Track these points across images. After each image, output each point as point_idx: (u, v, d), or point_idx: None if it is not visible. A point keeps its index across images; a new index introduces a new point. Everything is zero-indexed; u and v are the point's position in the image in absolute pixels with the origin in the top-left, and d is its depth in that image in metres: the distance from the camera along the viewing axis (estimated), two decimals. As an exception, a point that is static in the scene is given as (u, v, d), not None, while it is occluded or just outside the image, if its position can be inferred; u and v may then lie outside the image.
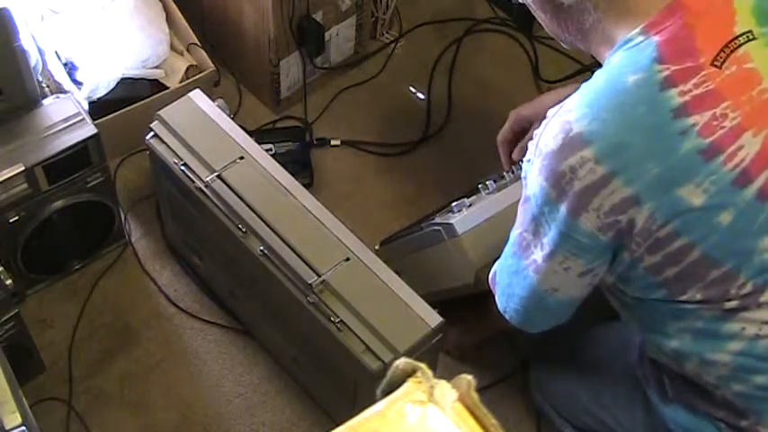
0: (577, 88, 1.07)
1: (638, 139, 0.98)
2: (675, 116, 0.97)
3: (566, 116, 1.01)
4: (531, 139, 1.42)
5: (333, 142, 1.95)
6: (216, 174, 1.46)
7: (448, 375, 0.60)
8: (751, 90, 0.99)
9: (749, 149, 0.99)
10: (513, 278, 1.18)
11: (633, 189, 0.98)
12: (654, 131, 0.98)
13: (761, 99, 1.00)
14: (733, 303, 1.05)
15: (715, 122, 0.98)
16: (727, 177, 0.98)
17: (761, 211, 1.01)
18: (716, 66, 0.98)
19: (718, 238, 1.01)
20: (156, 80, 1.85)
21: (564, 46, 1.16)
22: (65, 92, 1.67)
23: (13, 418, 1.10)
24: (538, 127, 1.36)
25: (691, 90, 0.97)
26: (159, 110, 1.53)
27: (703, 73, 0.98)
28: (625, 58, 1.00)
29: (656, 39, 0.98)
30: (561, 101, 1.34)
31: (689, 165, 0.98)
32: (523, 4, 1.13)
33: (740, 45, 0.99)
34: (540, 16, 1.12)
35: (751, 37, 1.00)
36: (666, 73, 0.97)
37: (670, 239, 1.01)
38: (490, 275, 1.27)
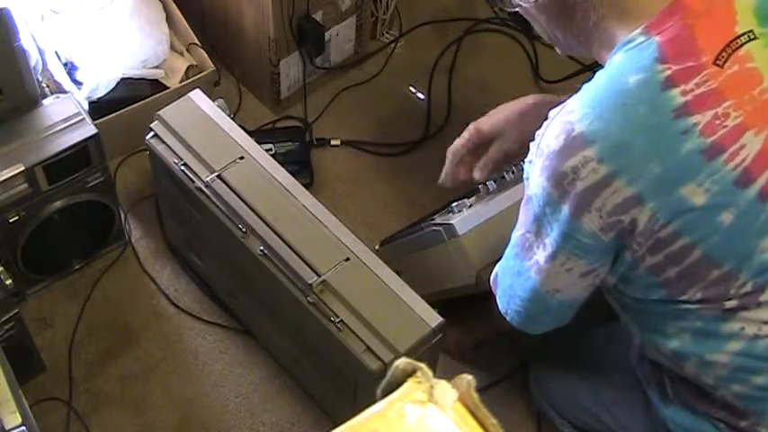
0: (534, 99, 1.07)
1: (639, 138, 0.98)
2: (677, 116, 0.97)
3: (567, 116, 1.01)
4: (492, 158, 1.41)
5: (333, 142, 1.95)
6: (216, 174, 1.46)
7: (448, 375, 0.60)
8: (752, 90, 0.99)
9: (751, 149, 0.99)
10: (514, 279, 1.18)
11: (635, 189, 0.98)
12: (655, 131, 0.98)
13: (762, 99, 1.00)
14: (733, 303, 1.05)
15: (717, 122, 0.98)
16: (728, 177, 0.98)
17: (762, 211, 1.01)
18: (718, 65, 0.98)
19: (720, 238, 1.01)
20: (156, 80, 1.85)
21: (560, 52, 1.16)
22: (65, 92, 1.67)
23: (13, 418, 1.10)
24: (501, 143, 1.38)
25: (692, 89, 0.97)
26: (159, 110, 1.53)
27: (705, 72, 0.98)
28: (626, 59, 1.00)
29: (657, 39, 0.98)
30: (521, 114, 1.37)
31: (690, 164, 0.98)
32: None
33: (742, 45, 0.99)
34: (538, 21, 1.11)
35: (752, 37, 1.00)
36: (668, 73, 0.97)
37: (672, 239, 1.01)
38: (491, 277, 1.27)
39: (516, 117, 1.39)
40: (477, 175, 1.44)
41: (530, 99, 1.41)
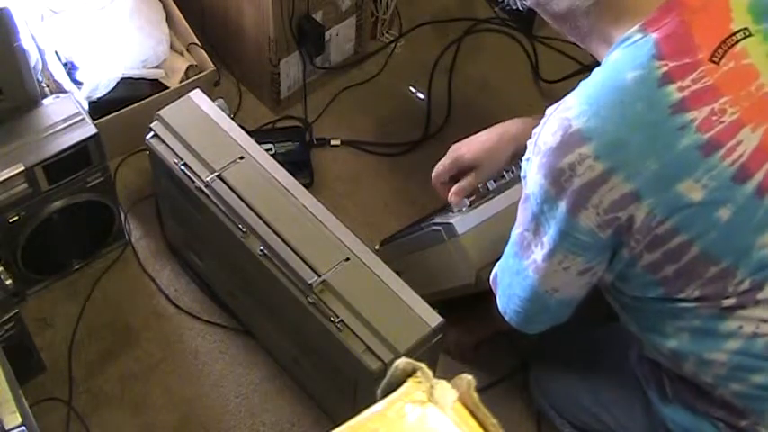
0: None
1: (636, 135, 0.98)
2: (674, 112, 0.97)
3: (565, 113, 1.01)
4: (468, 188, 1.41)
5: (333, 142, 1.95)
6: (216, 174, 1.46)
7: (448, 375, 0.60)
8: (749, 85, 1.00)
9: (748, 145, 0.99)
10: (513, 278, 1.18)
11: (633, 185, 0.98)
12: (652, 127, 0.98)
13: (759, 94, 1.00)
14: (731, 301, 1.05)
15: (714, 118, 0.98)
16: (726, 173, 0.99)
17: (759, 207, 1.01)
18: (714, 61, 0.98)
19: (717, 234, 1.01)
20: (156, 80, 1.85)
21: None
22: (65, 92, 1.67)
23: (13, 418, 1.10)
24: (480, 173, 1.37)
25: (689, 86, 0.97)
26: (159, 110, 1.53)
27: (702, 69, 0.98)
28: (623, 56, 1.00)
29: (654, 36, 0.98)
30: (506, 142, 1.36)
31: (688, 160, 0.98)
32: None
33: (737, 41, 1.00)
34: (544, 18, 1.13)
35: (747, 33, 1.00)
36: (665, 69, 0.97)
37: (669, 236, 1.01)
38: (491, 276, 1.27)
39: (501, 146, 1.38)
40: (453, 200, 1.42)
41: (513, 128, 1.39)
